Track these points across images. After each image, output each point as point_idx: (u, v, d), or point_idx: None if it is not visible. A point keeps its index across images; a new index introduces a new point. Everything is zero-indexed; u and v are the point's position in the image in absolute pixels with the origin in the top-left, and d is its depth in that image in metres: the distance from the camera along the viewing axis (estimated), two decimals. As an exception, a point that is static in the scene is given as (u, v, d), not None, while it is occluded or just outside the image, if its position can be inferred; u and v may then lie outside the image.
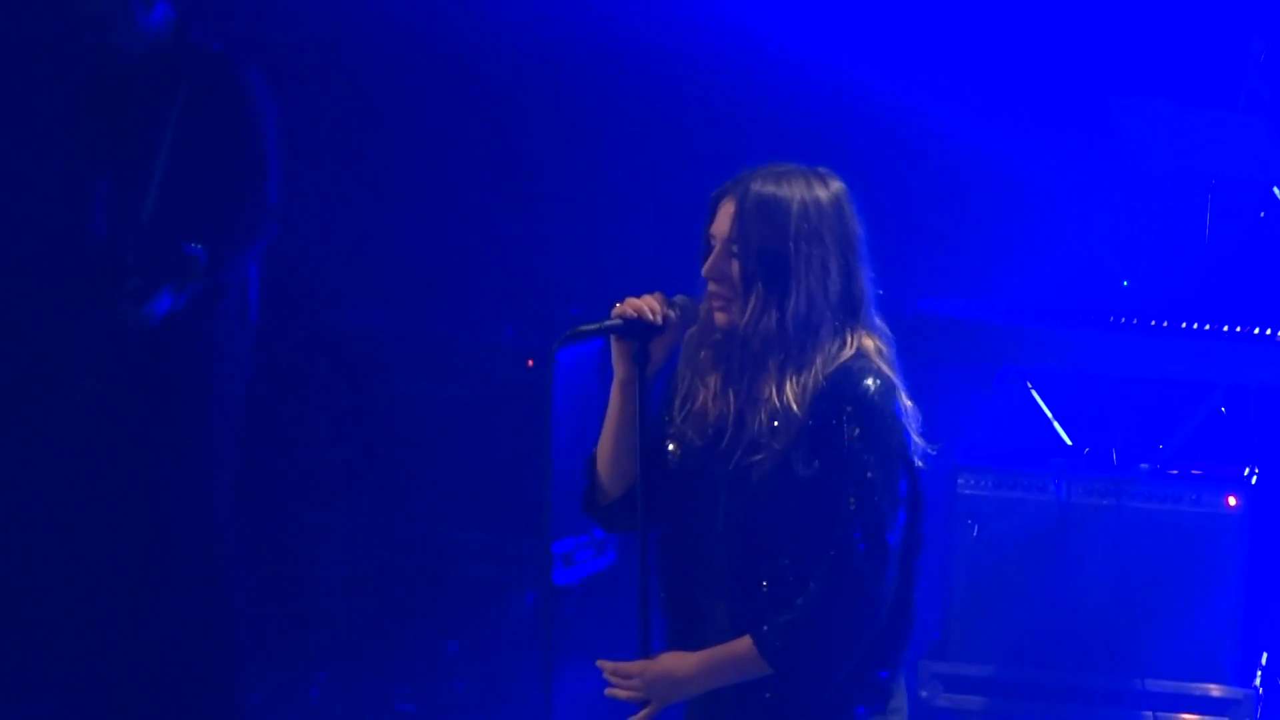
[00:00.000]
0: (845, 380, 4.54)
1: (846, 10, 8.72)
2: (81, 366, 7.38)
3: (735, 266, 4.54)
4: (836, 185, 4.59)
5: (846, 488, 4.52)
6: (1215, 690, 7.13)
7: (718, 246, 4.57)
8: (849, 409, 4.52)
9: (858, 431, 4.52)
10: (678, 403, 4.65)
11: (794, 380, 4.55)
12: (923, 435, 4.61)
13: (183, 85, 7.15)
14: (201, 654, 7.45)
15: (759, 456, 4.53)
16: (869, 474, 4.52)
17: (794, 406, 4.52)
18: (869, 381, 4.50)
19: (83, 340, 7.34)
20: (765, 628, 4.53)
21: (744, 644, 4.55)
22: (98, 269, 7.24)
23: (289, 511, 8.50)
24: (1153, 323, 7.53)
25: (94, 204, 7.34)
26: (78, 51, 7.44)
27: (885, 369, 4.58)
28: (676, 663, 4.60)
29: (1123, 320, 7.58)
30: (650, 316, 4.48)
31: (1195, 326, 7.53)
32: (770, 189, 4.56)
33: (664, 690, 4.61)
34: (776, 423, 4.54)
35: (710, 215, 4.61)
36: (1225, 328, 7.50)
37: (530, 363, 7.93)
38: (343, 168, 8.76)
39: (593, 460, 4.73)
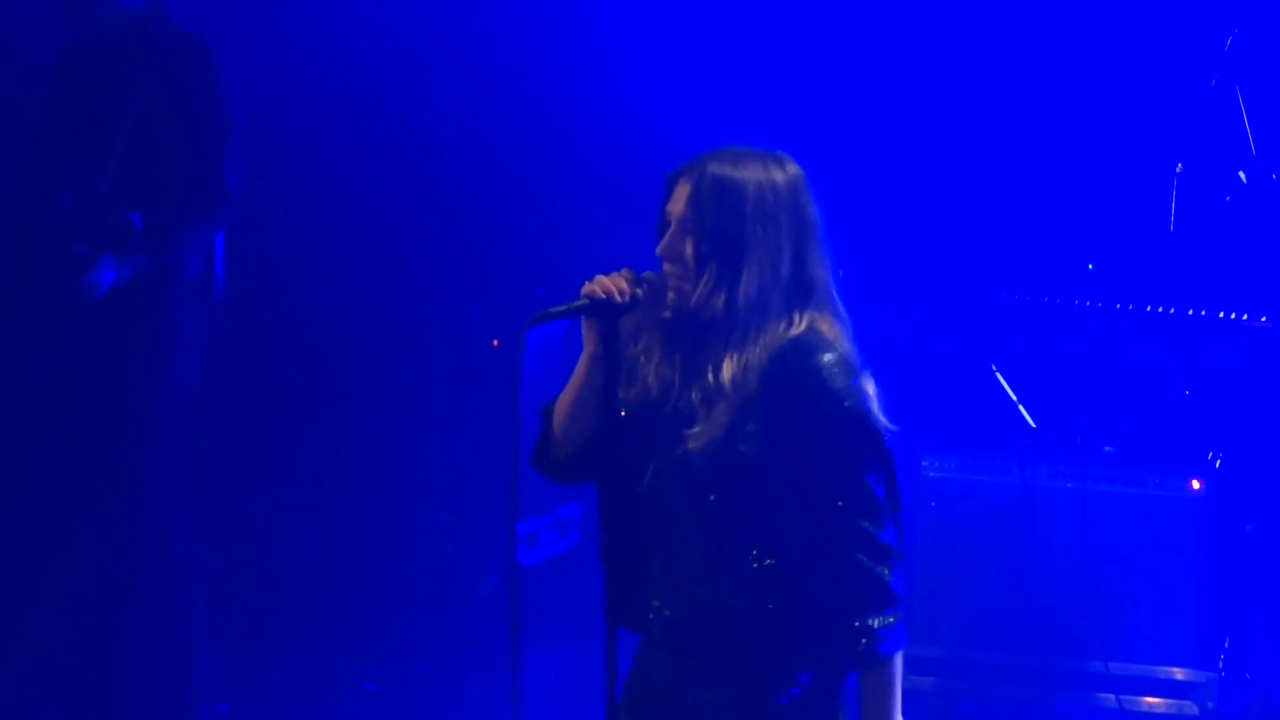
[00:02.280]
0: (796, 354, 4.49)
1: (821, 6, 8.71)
2: (36, 340, 7.30)
3: (689, 246, 4.49)
4: (794, 169, 4.53)
5: (829, 483, 4.44)
6: (1178, 673, 7.13)
7: (673, 226, 4.51)
8: (817, 395, 4.45)
9: (828, 424, 4.44)
10: (624, 374, 4.61)
11: (735, 359, 4.48)
12: (885, 416, 4.46)
13: (152, 62, 7.11)
14: (157, 637, 7.32)
15: (695, 430, 4.47)
16: (859, 465, 4.46)
17: (729, 385, 4.47)
18: (825, 356, 4.44)
19: (39, 314, 7.24)
20: (855, 655, 4.47)
21: (866, 686, 4.52)
22: (56, 241, 7.18)
23: (253, 491, 8.43)
24: (1118, 306, 7.52)
25: (60, 177, 7.24)
26: (54, 24, 7.39)
27: (839, 350, 4.49)
28: None
29: (1087, 304, 7.57)
30: (617, 297, 4.43)
31: (1160, 310, 7.50)
32: (727, 170, 4.52)
33: None
34: (715, 401, 4.47)
35: (666, 194, 4.55)
36: (1190, 311, 7.48)
37: (495, 343, 7.93)
38: (313, 149, 8.67)
39: (549, 414, 4.69)
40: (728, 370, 4.47)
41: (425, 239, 8.84)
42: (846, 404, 4.41)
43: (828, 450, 4.42)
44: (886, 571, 4.47)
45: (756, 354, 4.48)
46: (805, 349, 4.47)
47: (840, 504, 4.45)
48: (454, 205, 8.85)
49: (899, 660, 4.54)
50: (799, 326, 4.49)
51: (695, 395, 4.50)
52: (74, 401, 7.21)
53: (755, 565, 4.45)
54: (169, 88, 7.08)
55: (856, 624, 4.46)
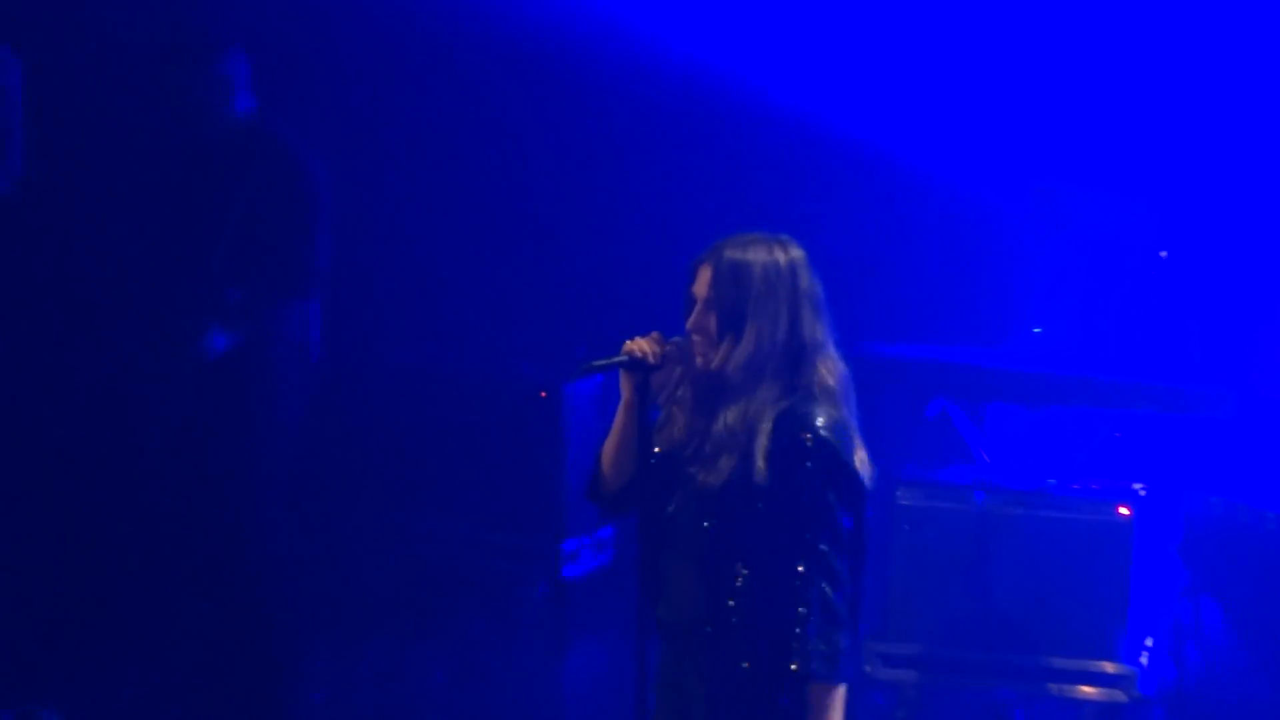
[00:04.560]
0: (795, 419, 4.73)
1: (802, 59, 8.67)
2: (170, 391, 7.59)
3: (712, 321, 4.76)
4: (796, 251, 4.80)
5: (812, 516, 4.70)
6: (1108, 667, 7.37)
7: (699, 305, 4.79)
8: (806, 441, 4.71)
9: (812, 465, 4.69)
10: (660, 422, 4.88)
11: (738, 410, 4.75)
12: (867, 460, 4.79)
13: (254, 164, 7.42)
14: (263, 633, 7.61)
15: (718, 467, 4.74)
16: (828, 501, 4.71)
17: (735, 432, 4.74)
18: (819, 421, 4.70)
19: (172, 372, 7.53)
20: (805, 664, 4.68)
21: (814, 694, 4.69)
22: (178, 312, 7.47)
23: (345, 515, 8.73)
24: (1056, 370, 7.73)
25: (181, 259, 7.53)
26: (181, 128, 7.60)
27: (831, 406, 4.76)
28: None
29: (1032, 369, 7.76)
30: (650, 358, 4.73)
31: (1090, 374, 7.69)
32: (739, 255, 4.77)
33: None
34: (730, 445, 4.75)
35: (691, 277, 4.81)
36: (1122, 366, 7.73)
37: (544, 394, 8.10)
38: (387, 233, 8.88)
39: (598, 459, 4.92)
40: (733, 419, 4.74)
41: (483, 309, 8.99)
42: (833, 454, 4.69)
43: (812, 488, 4.69)
44: (836, 595, 4.72)
45: (756, 407, 4.75)
46: (805, 411, 4.72)
47: (808, 535, 4.68)
48: (506, 281, 8.99)
49: (841, 690, 4.73)
50: (804, 379, 4.76)
51: (709, 441, 4.78)
52: (198, 442, 7.50)
53: (739, 581, 4.71)
54: (268, 186, 7.38)
55: (802, 640, 4.71)
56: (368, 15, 8.84)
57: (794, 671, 4.67)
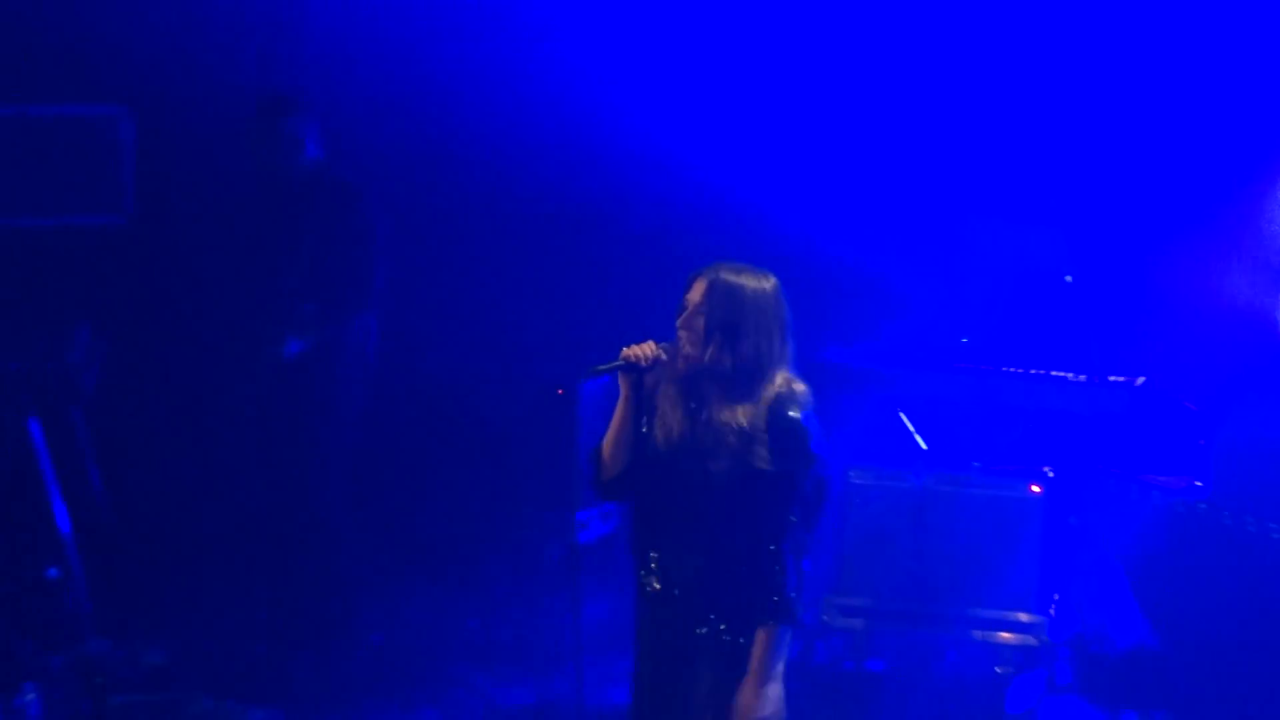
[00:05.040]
0: (783, 407, 4.93)
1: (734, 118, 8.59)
2: (254, 388, 7.84)
3: (700, 323, 4.96)
4: (774, 281, 5.03)
5: (788, 493, 4.93)
6: (1023, 616, 7.55)
7: (691, 307, 4.98)
8: (789, 426, 4.91)
9: (791, 451, 4.91)
10: (654, 418, 5.04)
11: (742, 405, 4.92)
12: (826, 445, 5.03)
13: (322, 202, 7.71)
14: (329, 581, 7.81)
15: (721, 455, 4.91)
16: (800, 481, 4.97)
17: (744, 423, 4.91)
18: (795, 414, 4.95)
19: (256, 372, 7.78)
20: (774, 614, 4.85)
21: (760, 636, 4.87)
22: (261, 323, 7.74)
23: (396, 491, 8.77)
24: (984, 368, 7.89)
25: (261, 279, 7.78)
26: (264, 174, 7.83)
27: (803, 404, 4.98)
28: (748, 696, 4.87)
29: (963, 367, 7.91)
30: (644, 361, 4.95)
31: (1013, 371, 7.86)
32: (731, 278, 4.97)
33: (768, 708, 4.88)
34: (731, 436, 4.93)
35: (687, 287, 5.01)
36: (1033, 370, 7.86)
37: (560, 391, 8.04)
38: (439, 264, 8.92)
39: (598, 451, 5.08)
40: (740, 413, 4.91)
41: (510, 323, 9.00)
42: (807, 439, 4.94)
43: (789, 471, 4.92)
44: (800, 557, 4.95)
45: (758, 403, 4.92)
46: (789, 402, 4.94)
47: (783, 508, 4.91)
48: (528, 301, 9.04)
49: (788, 633, 4.89)
50: (781, 385, 4.95)
51: (706, 431, 4.91)
52: (279, 426, 7.80)
53: (726, 550, 4.93)
54: (335, 219, 7.66)
55: (774, 594, 4.89)
56: (403, 85, 8.77)
57: (762, 620, 4.86)
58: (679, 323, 4.92)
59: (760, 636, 4.85)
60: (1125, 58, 8.24)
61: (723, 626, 4.89)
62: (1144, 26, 8.16)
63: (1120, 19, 8.19)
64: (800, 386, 4.92)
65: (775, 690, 4.89)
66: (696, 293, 4.92)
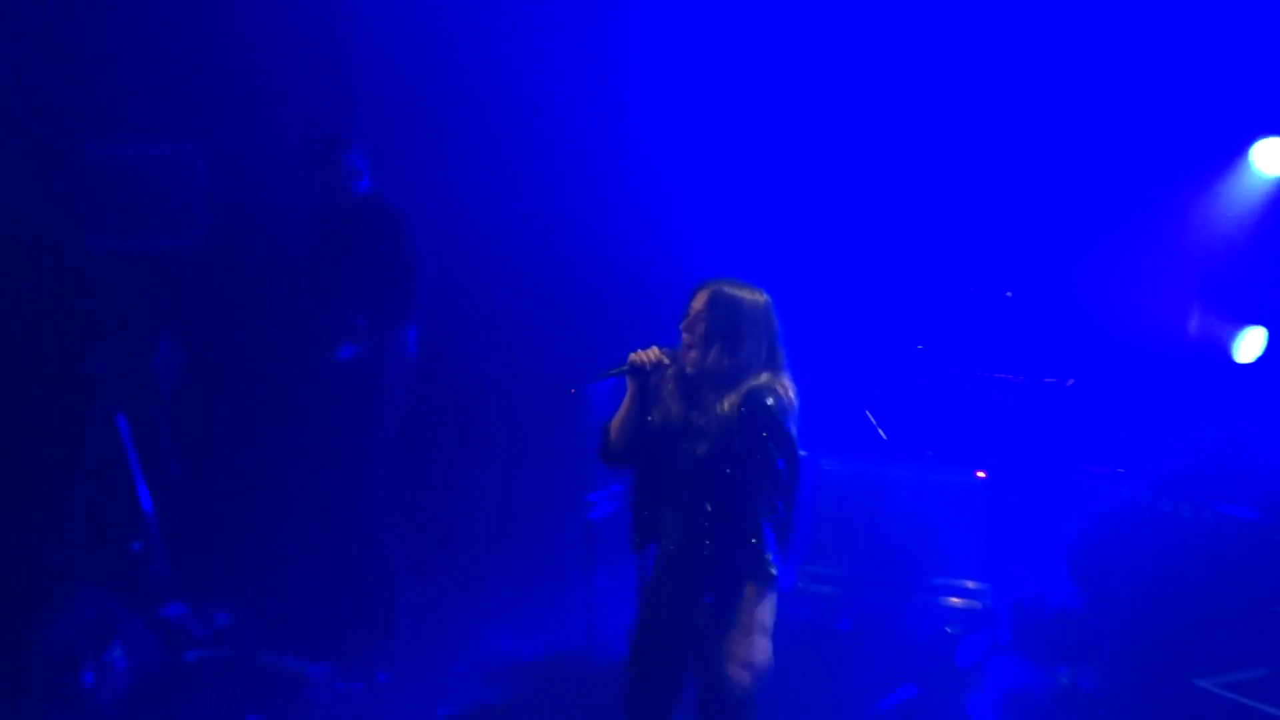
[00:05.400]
0: (757, 396, 5.12)
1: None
2: (311, 387, 8.08)
3: (701, 329, 5.19)
4: (767, 296, 5.24)
5: (765, 470, 5.08)
6: (970, 583, 7.99)
7: (693, 314, 5.21)
8: (761, 415, 5.09)
9: (767, 434, 5.09)
10: (653, 404, 5.28)
11: (729, 399, 5.16)
12: (800, 433, 5.20)
13: (372, 227, 7.92)
14: (372, 573, 7.95)
15: (705, 439, 5.15)
16: (776, 458, 5.11)
17: (724, 414, 5.16)
18: (769, 400, 5.15)
19: (312, 373, 8.03)
20: (754, 575, 4.96)
21: (748, 592, 4.98)
22: (318, 332, 7.95)
23: (433, 479, 9.01)
24: (937, 370, 8.37)
25: (319, 294, 7.96)
26: (321, 203, 8.03)
27: (784, 393, 5.16)
28: (737, 644, 4.97)
29: (918, 369, 8.37)
30: (648, 365, 5.20)
31: (963, 371, 8.34)
32: (731, 291, 5.20)
33: (757, 654, 4.96)
34: (717, 423, 5.17)
35: (692, 295, 5.24)
36: (979, 372, 8.37)
37: (573, 391, 8.47)
38: (474, 282, 9.12)
39: (606, 428, 5.34)
40: (725, 406, 5.14)
41: (531, 333, 9.23)
42: (778, 424, 5.12)
43: (766, 451, 5.10)
44: (777, 527, 5.12)
45: (738, 394, 5.16)
46: (760, 393, 5.14)
47: (761, 484, 5.09)
48: (546, 313, 9.23)
49: (774, 595, 5.01)
50: (765, 380, 5.18)
51: (700, 419, 5.16)
52: (328, 423, 7.98)
53: (709, 521, 5.13)
54: (383, 242, 7.87)
55: (756, 558, 5.07)
56: (434, 121, 8.96)
57: (746, 581, 5.05)
58: (683, 326, 5.19)
59: (748, 593, 5.06)
60: (1056, 91, 8.37)
61: (711, 591, 5.13)
62: (1077, 53, 8.27)
63: (1056, 46, 8.28)
64: (786, 384, 5.14)
65: (763, 641, 5.06)
66: (699, 302, 5.20)
